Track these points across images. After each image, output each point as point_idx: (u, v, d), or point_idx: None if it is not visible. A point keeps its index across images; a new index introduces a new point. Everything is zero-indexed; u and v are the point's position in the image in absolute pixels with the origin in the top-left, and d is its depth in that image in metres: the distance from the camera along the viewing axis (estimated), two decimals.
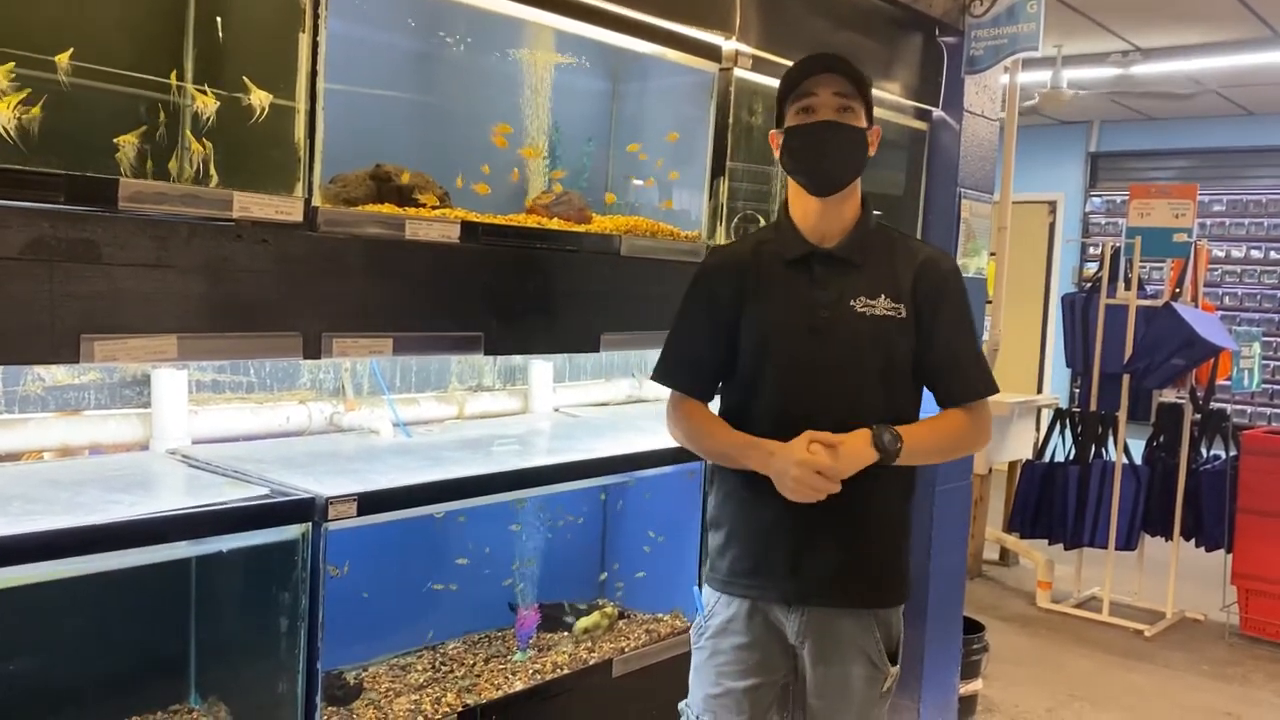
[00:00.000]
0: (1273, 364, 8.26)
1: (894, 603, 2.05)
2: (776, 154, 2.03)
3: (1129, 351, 5.41)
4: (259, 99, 1.85)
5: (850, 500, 1.93)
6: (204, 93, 1.89)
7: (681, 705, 2.15)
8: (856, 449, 1.89)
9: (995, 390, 2.10)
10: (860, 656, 2.01)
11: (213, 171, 1.86)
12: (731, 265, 2.07)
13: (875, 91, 3.26)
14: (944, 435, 2.05)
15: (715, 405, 2.14)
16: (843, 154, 1.96)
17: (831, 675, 2.01)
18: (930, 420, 2.04)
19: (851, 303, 1.97)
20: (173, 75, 1.94)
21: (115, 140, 1.78)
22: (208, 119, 1.86)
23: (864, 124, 1.97)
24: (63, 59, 1.73)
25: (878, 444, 1.90)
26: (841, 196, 1.99)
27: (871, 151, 2.01)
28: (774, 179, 3.15)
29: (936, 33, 3.53)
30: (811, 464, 1.86)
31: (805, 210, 2.02)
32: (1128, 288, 5.55)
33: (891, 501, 2.04)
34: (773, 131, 2.03)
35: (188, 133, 1.89)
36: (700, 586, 2.17)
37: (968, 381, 2.06)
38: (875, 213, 2.09)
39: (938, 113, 3.59)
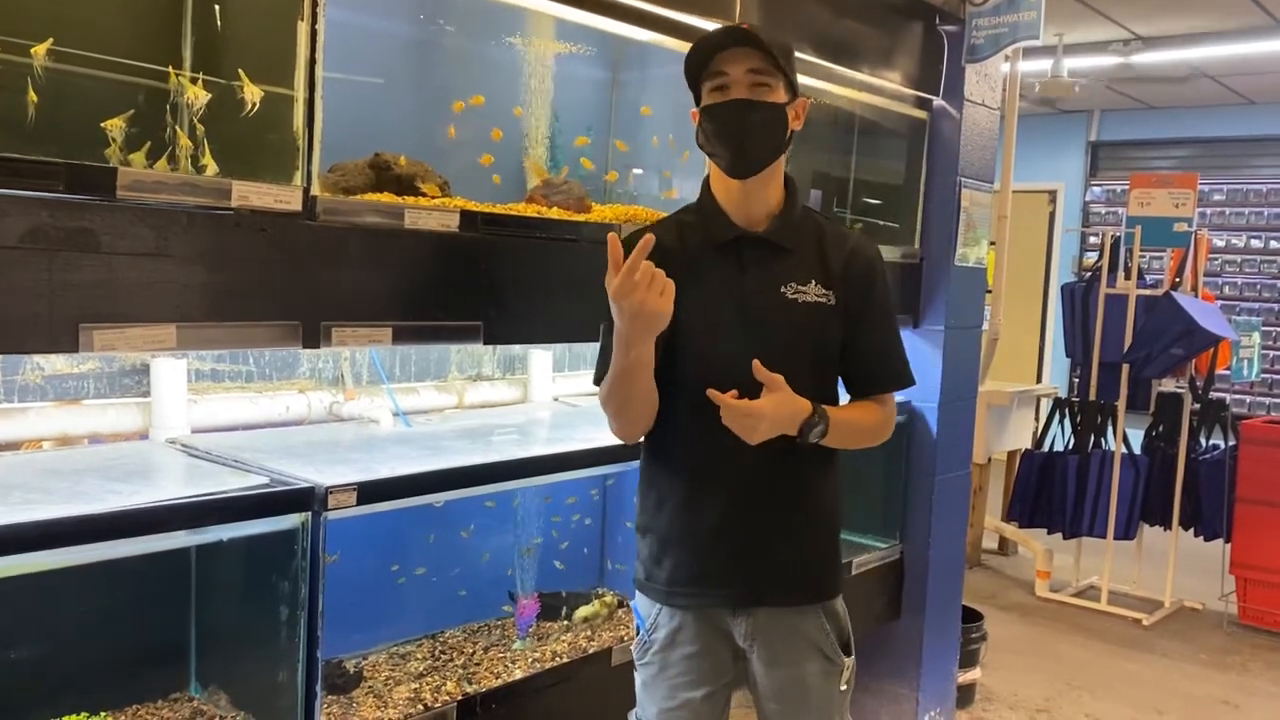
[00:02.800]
0: (1272, 354, 8.26)
1: (837, 592, 2.01)
2: (695, 136, 1.92)
3: (1128, 341, 5.41)
4: (251, 94, 1.83)
5: (791, 493, 1.91)
6: (194, 82, 1.88)
7: (631, 716, 2.07)
8: (765, 410, 1.78)
9: (909, 383, 2.02)
10: (813, 651, 1.96)
11: (207, 159, 1.86)
12: (657, 249, 1.87)
13: (876, 80, 3.30)
14: (862, 425, 1.96)
15: None
16: (759, 135, 1.85)
17: (787, 676, 1.95)
18: (850, 408, 1.96)
19: (783, 289, 1.90)
20: (171, 65, 1.94)
21: (102, 125, 1.76)
22: (197, 110, 1.85)
23: (784, 98, 1.86)
24: (40, 50, 1.71)
25: (805, 426, 1.82)
26: (764, 178, 1.90)
27: (796, 126, 1.91)
28: None
29: (937, 21, 3.52)
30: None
31: (728, 192, 1.93)
32: (1127, 277, 5.54)
33: (826, 492, 1.98)
34: (693, 110, 1.92)
35: (173, 122, 1.88)
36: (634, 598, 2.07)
37: (893, 372, 2.00)
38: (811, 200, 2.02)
39: (938, 101, 3.59)
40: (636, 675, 2.05)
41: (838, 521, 2.03)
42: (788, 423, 1.81)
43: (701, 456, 1.91)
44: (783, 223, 1.93)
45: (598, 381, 1.95)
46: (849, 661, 1.99)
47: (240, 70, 1.86)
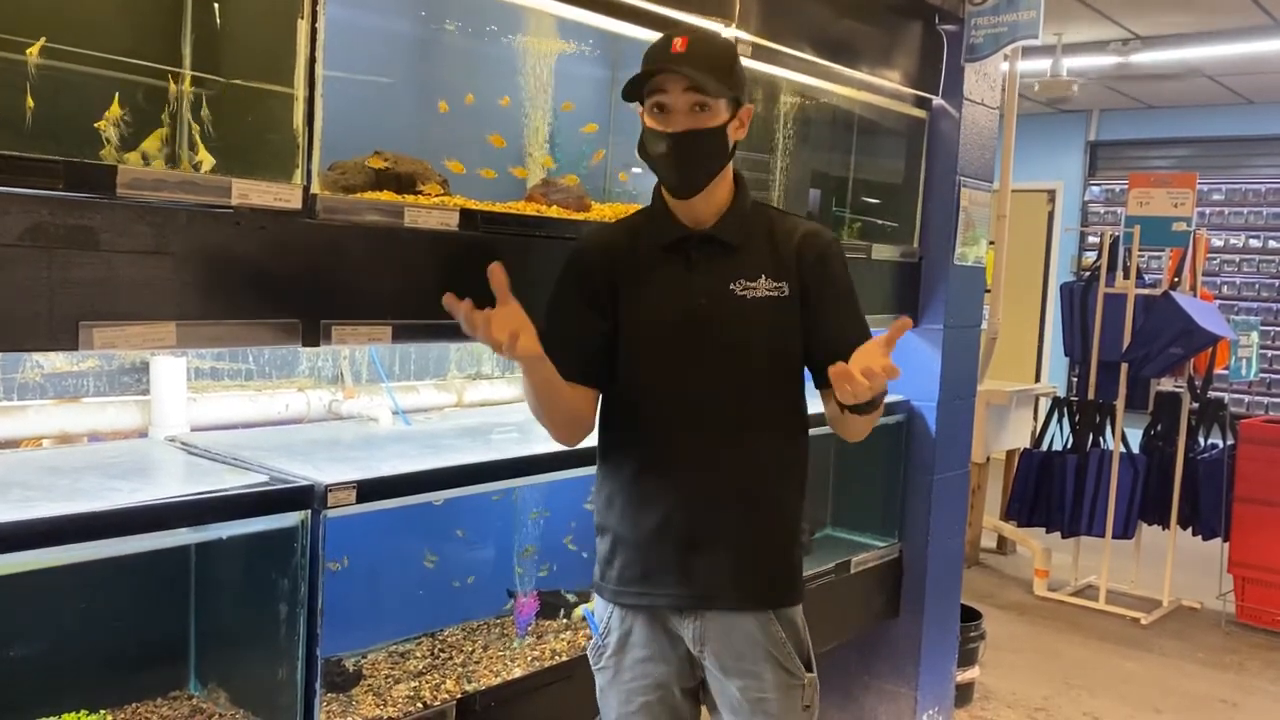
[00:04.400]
0: (1271, 353, 8.27)
1: (794, 601, 1.94)
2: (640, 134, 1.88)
3: (1127, 340, 5.42)
4: (203, 158, 1.82)
5: (741, 493, 1.88)
6: (176, 81, 1.88)
7: None
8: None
9: None
10: (768, 661, 1.88)
11: (202, 154, 1.86)
12: (605, 248, 1.96)
13: (875, 80, 3.30)
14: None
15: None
16: (697, 162, 1.83)
17: (740, 688, 1.89)
18: None
19: (731, 286, 1.87)
20: (167, 64, 1.94)
21: (96, 125, 1.76)
22: (184, 105, 1.84)
23: (724, 117, 1.82)
24: (34, 51, 1.72)
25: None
26: (710, 188, 1.87)
27: (740, 135, 1.88)
28: (773, 167, 3.15)
29: (936, 20, 3.52)
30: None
31: (677, 197, 1.91)
32: (1126, 276, 5.55)
33: (786, 493, 1.94)
34: (640, 109, 1.87)
35: (166, 117, 1.88)
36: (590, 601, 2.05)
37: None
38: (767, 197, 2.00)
39: (937, 101, 3.59)
40: (595, 680, 2.02)
41: (795, 527, 1.96)
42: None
43: (649, 456, 1.90)
44: (729, 220, 1.91)
45: None
46: (810, 677, 1.92)
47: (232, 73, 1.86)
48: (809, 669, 1.92)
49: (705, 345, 1.85)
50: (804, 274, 1.90)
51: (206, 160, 1.85)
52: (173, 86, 1.87)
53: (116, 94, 1.79)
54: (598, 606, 2.02)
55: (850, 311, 1.95)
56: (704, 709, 2.03)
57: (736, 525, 1.88)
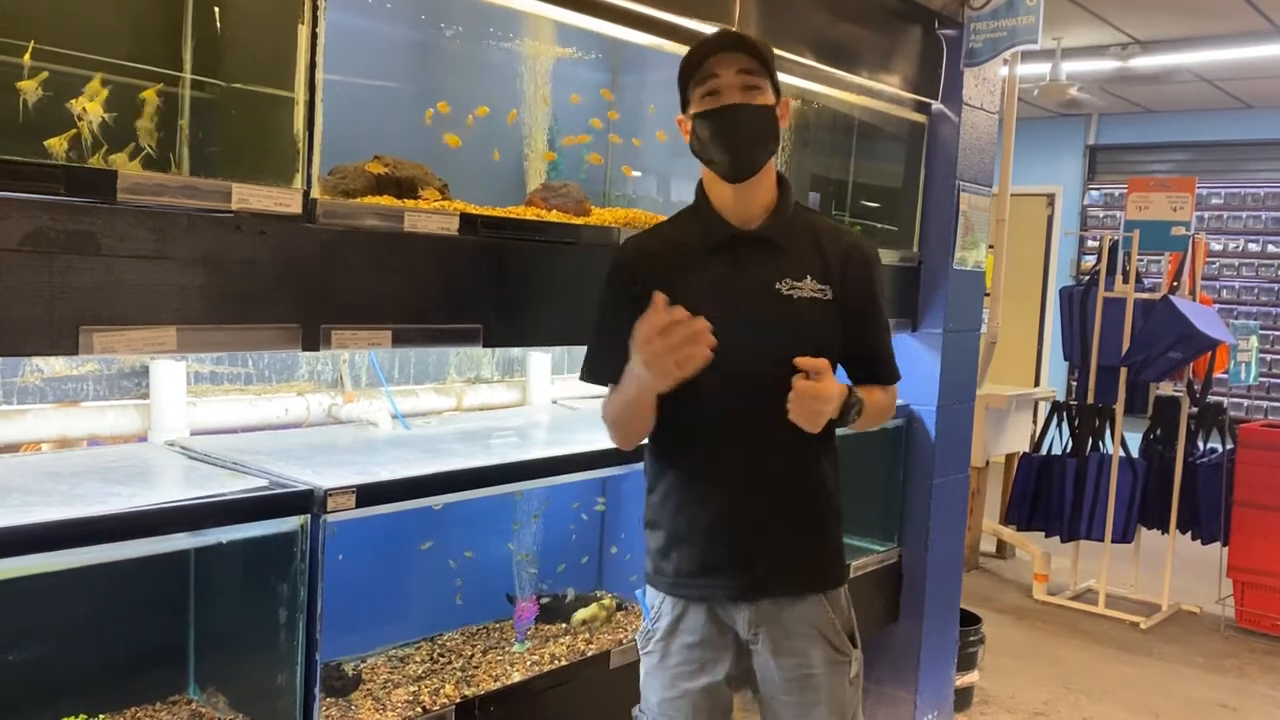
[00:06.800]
0: (1270, 357, 8.27)
1: (840, 582, 2.03)
2: (686, 139, 1.94)
3: (1126, 344, 5.42)
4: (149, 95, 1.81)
5: (790, 484, 1.94)
6: (147, 88, 1.88)
7: (635, 711, 2.09)
8: (831, 391, 1.83)
9: (900, 377, 2.10)
10: (818, 639, 1.97)
11: (184, 157, 1.85)
12: (650, 254, 1.99)
13: (874, 84, 3.30)
14: (880, 406, 2.03)
15: None
16: (754, 137, 1.88)
17: (793, 667, 1.96)
18: (870, 390, 2.00)
19: (777, 285, 1.92)
20: (160, 68, 1.94)
21: (69, 104, 1.75)
22: (151, 113, 1.83)
23: (771, 100, 1.90)
24: (25, 58, 1.72)
25: (844, 406, 1.86)
26: (759, 178, 1.93)
27: (783, 125, 1.94)
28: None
29: (935, 25, 3.53)
30: (656, 329, 1.70)
31: (722, 194, 1.96)
32: (1125, 281, 5.55)
33: (825, 483, 2.00)
34: (679, 116, 1.95)
35: (146, 123, 1.88)
36: (644, 589, 2.09)
37: (889, 368, 2.07)
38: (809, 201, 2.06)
39: (937, 105, 3.59)
40: (641, 666, 2.07)
41: (838, 512, 2.04)
42: (836, 404, 1.85)
43: (702, 453, 1.95)
44: (776, 220, 1.96)
45: (584, 378, 2.03)
46: (856, 653, 2.01)
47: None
48: (854, 645, 2.02)
49: (752, 342, 1.89)
50: (847, 281, 1.96)
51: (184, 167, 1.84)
52: (150, 94, 1.85)
53: (97, 77, 1.78)
54: (650, 594, 2.06)
55: (881, 323, 2.04)
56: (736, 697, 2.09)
57: (787, 515, 1.95)
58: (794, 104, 3.20)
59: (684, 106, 1.93)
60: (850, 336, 1.98)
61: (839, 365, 2.00)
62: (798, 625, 1.96)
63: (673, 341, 1.69)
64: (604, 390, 2.02)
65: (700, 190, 2.01)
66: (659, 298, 1.71)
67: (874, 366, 2.05)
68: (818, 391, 1.80)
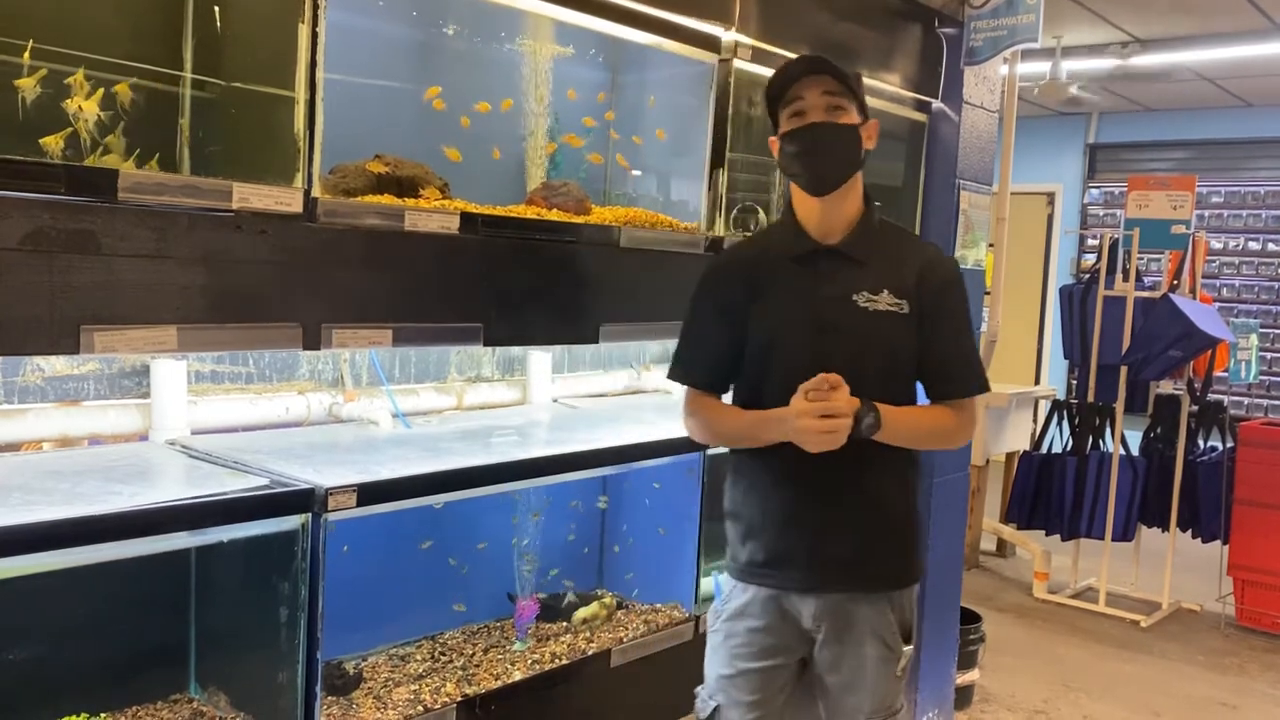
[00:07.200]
0: (1270, 356, 8.27)
1: (907, 584, 2.12)
2: (777, 160, 2.08)
3: (1126, 343, 5.42)
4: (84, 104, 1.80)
5: (864, 487, 2.03)
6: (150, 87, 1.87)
7: (697, 689, 2.19)
8: (849, 400, 1.93)
9: (985, 389, 2.14)
10: (874, 638, 2.06)
11: (185, 156, 1.85)
12: (739, 263, 2.13)
13: (874, 83, 3.30)
14: (924, 425, 2.07)
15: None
16: (835, 154, 2.00)
17: (846, 655, 2.07)
18: (915, 409, 2.08)
19: (854, 298, 2.02)
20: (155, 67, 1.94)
21: (64, 104, 1.75)
22: (90, 117, 1.83)
23: (856, 120, 2.01)
24: (25, 57, 1.72)
25: (859, 417, 1.92)
26: (841, 194, 2.03)
27: (869, 145, 2.05)
28: (773, 170, 3.15)
29: (936, 24, 3.52)
30: (809, 409, 1.89)
31: (808, 209, 2.06)
32: (1126, 279, 5.55)
33: (903, 485, 2.10)
34: (772, 137, 2.08)
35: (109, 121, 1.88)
36: (717, 575, 2.22)
37: (959, 380, 2.10)
38: (877, 204, 2.13)
39: (937, 104, 3.59)
40: (706, 644, 2.19)
41: (906, 518, 2.12)
42: (849, 419, 1.92)
43: (777, 455, 2.03)
44: (857, 235, 2.06)
45: (671, 377, 2.17)
46: (907, 651, 2.10)
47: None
48: (907, 643, 2.10)
49: (828, 351, 1.99)
50: (923, 297, 2.05)
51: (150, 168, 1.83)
52: (122, 89, 1.85)
53: (80, 72, 1.77)
54: (724, 579, 2.18)
55: (949, 339, 2.09)
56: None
57: (855, 518, 2.05)
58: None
59: (775, 128, 2.05)
60: (922, 347, 2.06)
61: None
62: (857, 621, 2.05)
63: (824, 426, 1.87)
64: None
65: (788, 205, 2.13)
66: (819, 378, 1.88)
67: (939, 376, 2.10)
68: (829, 407, 1.88)
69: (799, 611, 2.08)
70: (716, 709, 2.12)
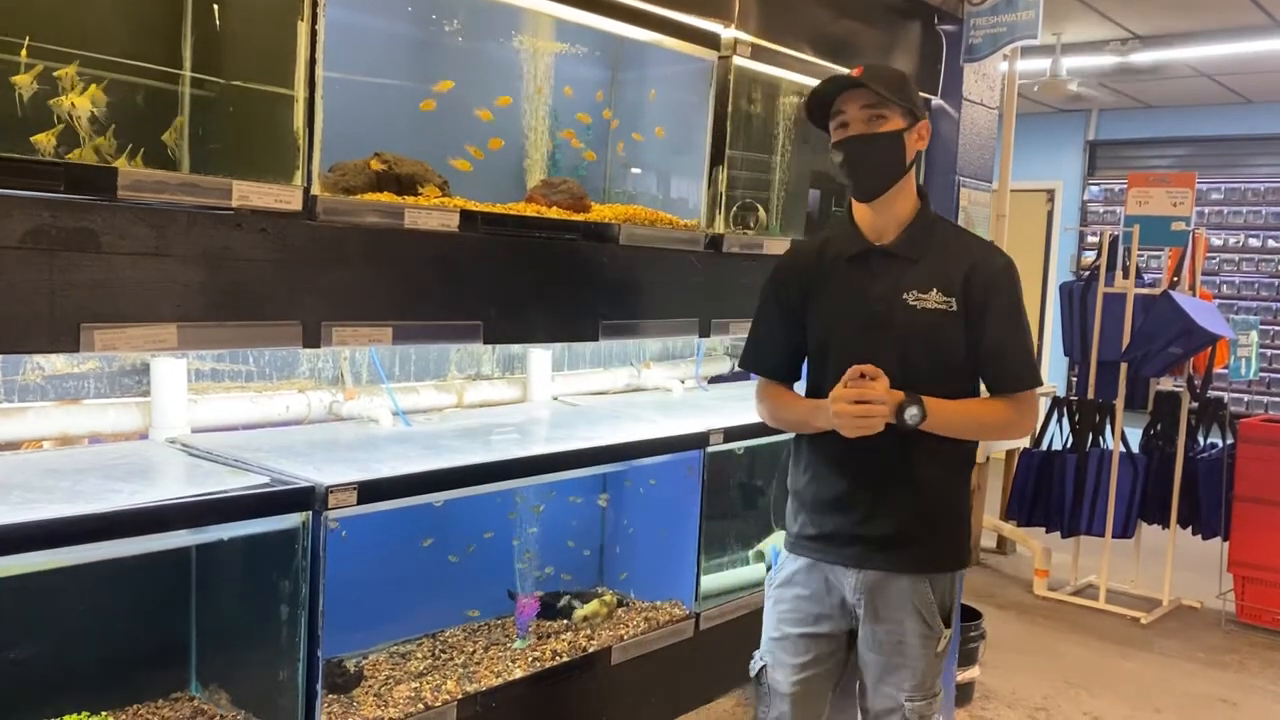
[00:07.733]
0: (1270, 352, 8.27)
1: (949, 568, 2.19)
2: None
3: (1127, 340, 5.42)
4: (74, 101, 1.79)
5: (909, 474, 2.12)
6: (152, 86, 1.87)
7: (755, 653, 2.31)
8: (891, 392, 2.03)
9: (1034, 384, 2.18)
10: (914, 615, 2.14)
11: (184, 154, 1.85)
12: (799, 262, 2.25)
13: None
14: (976, 417, 2.16)
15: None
16: (874, 163, 2.10)
17: (886, 631, 2.16)
18: (967, 401, 2.15)
19: (904, 296, 2.11)
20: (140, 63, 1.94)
21: (51, 102, 1.75)
22: (79, 115, 1.82)
23: (901, 125, 2.09)
24: (23, 54, 1.72)
25: (900, 409, 2.02)
26: (890, 197, 2.13)
27: (920, 145, 2.17)
28: (773, 167, 3.15)
29: (935, 21, 3.52)
30: (844, 395, 2.01)
31: (861, 211, 2.18)
32: (1125, 276, 5.54)
33: (951, 474, 2.19)
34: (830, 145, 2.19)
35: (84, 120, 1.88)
36: (775, 547, 2.33)
37: (1009, 375, 2.16)
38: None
39: (937, 101, 3.59)
40: (765, 605, 2.32)
41: (951, 506, 2.20)
42: (890, 408, 2.03)
43: (830, 441, 2.12)
44: (909, 235, 2.16)
45: (741, 365, 2.34)
46: (947, 631, 2.19)
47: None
48: (947, 625, 2.19)
49: (880, 346, 2.09)
50: (970, 295, 2.12)
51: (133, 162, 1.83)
52: (94, 90, 1.84)
53: (72, 67, 1.77)
54: (782, 551, 2.32)
55: (1008, 331, 2.14)
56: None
57: (898, 502, 2.14)
58: (794, 100, 3.20)
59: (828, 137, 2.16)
60: (973, 342, 2.13)
61: (969, 372, 2.17)
62: (897, 598, 2.15)
63: (858, 410, 1.99)
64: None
65: (848, 206, 2.24)
66: (854, 369, 2.01)
67: (994, 370, 2.16)
68: (863, 394, 2.00)
69: (842, 584, 2.18)
70: (764, 668, 2.26)
